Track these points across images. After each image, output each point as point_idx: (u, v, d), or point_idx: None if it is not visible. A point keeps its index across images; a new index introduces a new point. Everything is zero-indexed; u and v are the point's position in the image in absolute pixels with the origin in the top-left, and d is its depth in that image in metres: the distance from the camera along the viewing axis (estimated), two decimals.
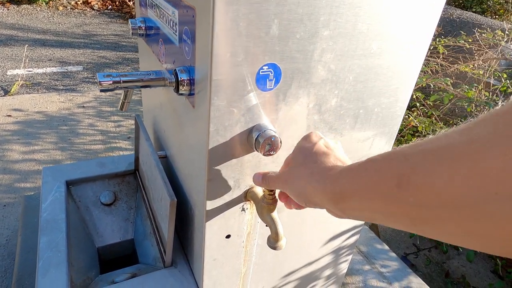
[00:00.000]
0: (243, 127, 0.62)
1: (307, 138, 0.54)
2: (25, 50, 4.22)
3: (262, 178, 0.58)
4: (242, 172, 0.68)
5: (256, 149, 0.62)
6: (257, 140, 0.61)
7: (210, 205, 0.68)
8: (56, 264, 0.84)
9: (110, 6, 6.54)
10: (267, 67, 0.57)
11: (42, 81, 3.59)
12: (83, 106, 3.17)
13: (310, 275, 1.01)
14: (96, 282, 0.94)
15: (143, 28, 0.95)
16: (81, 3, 6.43)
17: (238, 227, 0.76)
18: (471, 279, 1.86)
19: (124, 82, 0.77)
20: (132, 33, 0.95)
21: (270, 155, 0.62)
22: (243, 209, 0.74)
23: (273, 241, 0.64)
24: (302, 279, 1.00)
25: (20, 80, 3.48)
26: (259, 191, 0.70)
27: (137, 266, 1.01)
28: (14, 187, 2.13)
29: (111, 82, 0.76)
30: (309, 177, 0.46)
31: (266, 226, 0.75)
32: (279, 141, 0.62)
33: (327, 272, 1.04)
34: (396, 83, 0.74)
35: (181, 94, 0.65)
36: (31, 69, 3.81)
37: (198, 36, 0.57)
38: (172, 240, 0.83)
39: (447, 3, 4.94)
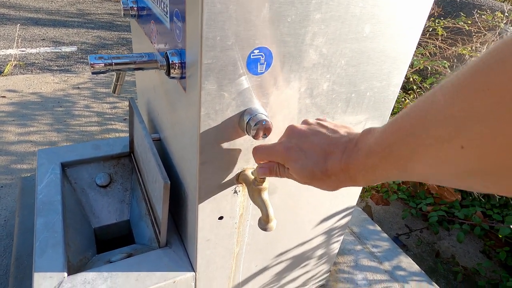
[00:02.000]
0: (235, 111, 0.62)
1: (301, 123, 0.55)
2: (18, 30, 4.13)
3: (257, 150, 0.60)
4: (234, 155, 0.68)
5: (248, 133, 0.63)
6: (248, 123, 0.62)
7: (203, 187, 0.69)
8: (53, 244, 0.86)
9: None
10: (258, 50, 0.57)
11: (36, 62, 3.54)
12: (78, 87, 3.14)
13: (303, 255, 1.03)
14: (92, 262, 0.96)
15: (135, 8, 0.93)
16: None
17: (231, 209, 0.77)
18: (461, 259, 1.91)
19: (116, 64, 0.77)
20: (123, 14, 0.94)
21: (262, 138, 0.63)
22: (235, 192, 0.75)
23: (263, 223, 0.65)
24: (294, 259, 1.02)
25: (14, 60, 3.43)
26: (250, 174, 0.71)
27: (133, 246, 1.03)
28: (10, 168, 2.13)
29: (103, 64, 0.75)
30: (322, 148, 0.47)
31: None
32: (271, 125, 0.62)
33: (319, 252, 1.07)
34: (388, 67, 0.74)
35: (173, 78, 0.65)
36: (24, 49, 3.75)
37: (189, 19, 0.56)
38: (166, 221, 0.85)
39: None
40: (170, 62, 0.63)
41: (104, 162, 1.19)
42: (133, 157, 1.21)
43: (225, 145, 0.66)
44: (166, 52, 0.63)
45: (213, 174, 0.69)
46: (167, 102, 0.83)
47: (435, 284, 1.34)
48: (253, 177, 0.69)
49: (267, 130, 0.62)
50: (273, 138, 0.68)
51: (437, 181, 0.33)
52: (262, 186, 0.66)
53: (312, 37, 0.61)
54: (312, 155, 0.48)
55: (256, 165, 0.68)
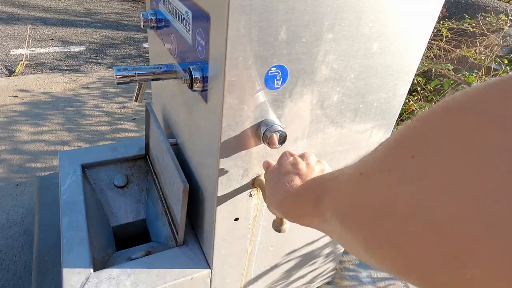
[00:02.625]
0: (252, 122, 0.68)
1: (279, 159, 0.61)
2: (28, 30, 4.20)
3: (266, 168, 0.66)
4: (250, 162, 0.74)
5: (264, 142, 0.68)
6: (265, 134, 0.67)
7: (221, 191, 0.75)
8: (79, 242, 0.92)
9: None
10: (275, 68, 0.63)
11: (46, 61, 3.60)
12: (88, 87, 3.20)
13: (311, 254, 1.09)
14: (114, 259, 1.02)
15: (154, 20, 0.99)
16: None
17: (246, 211, 0.83)
18: None
19: (138, 75, 0.83)
20: (143, 26, 0.99)
21: (276, 147, 0.68)
22: (250, 195, 0.81)
23: (277, 225, 0.71)
24: (303, 257, 1.08)
25: (24, 60, 3.49)
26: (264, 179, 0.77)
27: (151, 244, 1.09)
28: (25, 167, 2.20)
29: (126, 75, 0.81)
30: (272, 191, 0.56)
31: None
32: (285, 135, 0.68)
33: (326, 250, 1.12)
34: (394, 80, 0.79)
35: (195, 91, 0.70)
36: (34, 49, 3.82)
37: (212, 39, 0.61)
38: (184, 222, 0.91)
39: None
40: (193, 77, 0.68)
41: (121, 164, 1.25)
42: (148, 159, 1.27)
43: (243, 153, 0.72)
44: (189, 67, 0.69)
45: (230, 179, 0.75)
46: (185, 110, 0.89)
47: None
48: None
49: (282, 140, 0.67)
50: (288, 146, 0.73)
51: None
52: None
53: (324, 55, 0.66)
54: (274, 194, 0.55)
55: None
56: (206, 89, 0.69)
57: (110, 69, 3.60)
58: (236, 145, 0.69)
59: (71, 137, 2.53)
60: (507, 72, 2.28)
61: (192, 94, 0.80)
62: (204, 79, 0.69)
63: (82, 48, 3.99)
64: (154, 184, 1.19)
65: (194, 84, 0.69)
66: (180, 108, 0.93)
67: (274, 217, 0.73)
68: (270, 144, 0.67)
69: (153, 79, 0.86)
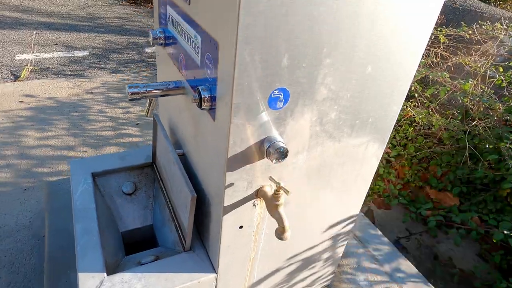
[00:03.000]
0: (257, 139, 0.74)
1: None
2: (33, 35, 4.26)
3: None
4: (254, 175, 0.80)
5: (267, 157, 0.74)
6: (268, 150, 0.73)
7: (227, 202, 0.81)
8: (92, 247, 0.98)
9: None
10: (278, 91, 0.69)
11: (50, 66, 3.67)
12: (92, 92, 3.26)
13: (310, 258, 1.15)
14: (124, 263, 1.08)
15: (162, 38, 1.05)
16: None
17: (250, 219, 0.89)
18: (458, 262, 2.02)
19: (148, 92, 0.89)
20: (152, 43, 1.05)
21: (279, 161, 0.74)
22: (254, 205, 0.86)
23: (280, 233, 0.77)
24: (303, 261, 1.14)
25: (29, 65, 3.56)
26: (268, 190, 0.83)
27: (158, 249, 1.15)
28: (32, 172, 2.26)
29: (138, 92, 0.87)
30: None
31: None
32: (287, 151, 0.73)
33: (326, 255, 1.18)
34: (388, 98, 0.85)
35: (203, 109, 0.76)
36: (38, 54, 3.88)
37: (221, 65, 0.67)
38: (191, 229, 0.96)
39: None
40: (202, 96, 0.74)
41: (129, 172, 1.31)
42: (155, 167, 1.33)
43: (248, 166, 0.77)
44: (199, 88, 0.75)
45: (236, 191, 0.80)
46: (193, 124, 0.95)
47: (431, 286, 1.45)
48: (270, 193, 0.80)
49: (284, 155, 0.73)
50: (289, 159, 0.79)
51: None
52: (279, 202, 0.77)
53: (323, 77, 0.72)
54: None
55: (271, 182, 0.80)
56: (214, 108, 0.75)
57: (113, 74, 3.66)
58: (241, 160, 0.75)
59: (77, 142, 2.59)
60: (502, 80, 2.34)
61: (200, 111, 0.86)
62: (212, 99, 0.75)
63: (86, 53, 4.05)
64: (161, 191, 1.25)
65: (203, 103, 0.75)
66: (188, 122, 0.99)
67: (276, 225, 0.79)
68: (273, 160, 0.73)
69: (162, 95, 0.93)
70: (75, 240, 0.99)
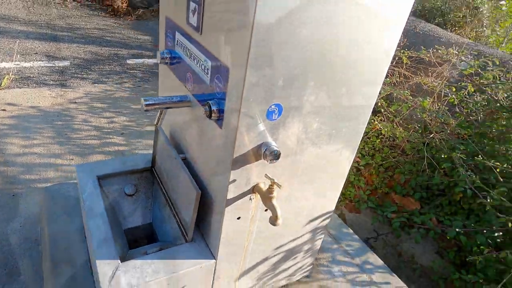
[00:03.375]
0: (255, 143, 0.92)
1: None
2: (14, 44, 4.25)
3: None
4: (252, 173, 0.98)
5: (264, 158, 0.93)
6: (264, 152, 0.92)
7: (230, 196, 0.98)
8: (105, 240, 1.11)
9: None
10: (274, 106, 0.88)
11: (31, 76, 3.68)
12: (75, 102, 3.32)
13: (294, 249, 1.33)
14: (130, 255, 1.21)
15: (168, 58, 1.22)
16: None
17: (246, 212, 1.06)
18: (419, 258, 2.27)
19: (161, 104, 1.06)
20: (160, 62, 1.22)
21: (273, 162, 0.93)
22: (250, 199, 1.04)
23: (273, 220, 0.95)
24: (287, 252, 1.32)
25: (10, 74, 3.56)
26: (263, 186, 1.01)
27: (160, 243, 1.29)
28: (19, 178, 2.31)
29: (152, 104, 1.04)
30: None
31: (265, 211, 1.06)
32: (279, 153, 0.92)
33: (306, 247, 1.37)
34: (358, 113, 1.07)
35: (212, 119, 0.94)
36: (18, 63, 3.88)
37: (230, 85, 0.86)
38: (194, 222, 1.12)
39: (414, 15, 5.40)
40: (212, 109, 0.92)
41: (130, 175, 1.45)
42: (154, 171, 1.47)
43: (247, 166, 0.95)
44: (209, 102, 0.93)
45: (237, 187, 0.98)
46: (197, 132, 1.12)
47: (395, 275, 1.67)
48: (265, 188, 0.99)
49: (277, 157, 0.92)
50: (281, 160, 0.98)
51: None
52: (273, 194, 0.95)
53: (308, 96, 0.92)
54: None
55: (266, 179, 0.98)
56: (222, 118, 0.93)
57: (96, 84, 3.73)
58: (242, 161, 0.93)
59: (63, 150, 2.65)
60: (454, 99, 2.68)
61: (206, 120, 1.03)
62: (220, 111, 0.93)
63: (67, 63, 4.09)
64: (160, 193, 1.39)
65: (212, 115, 0.93)
66: (192, 130, 1.16)
67: (267, 217, 0.97)
68: (269, 161, 0.92)
69: (171, 107, 1.10)
70: (88, 234, 1.12)
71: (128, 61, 4.43)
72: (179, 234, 1.23)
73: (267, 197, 0.96)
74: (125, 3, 6.39)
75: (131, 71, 4.20)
